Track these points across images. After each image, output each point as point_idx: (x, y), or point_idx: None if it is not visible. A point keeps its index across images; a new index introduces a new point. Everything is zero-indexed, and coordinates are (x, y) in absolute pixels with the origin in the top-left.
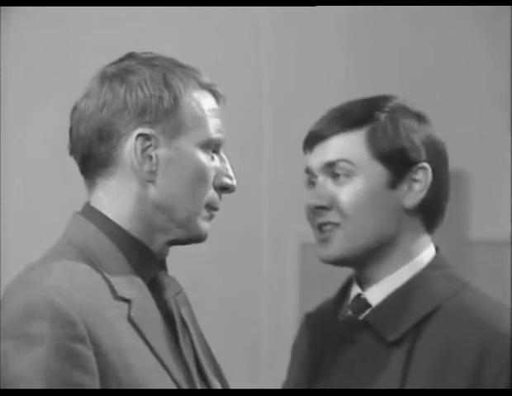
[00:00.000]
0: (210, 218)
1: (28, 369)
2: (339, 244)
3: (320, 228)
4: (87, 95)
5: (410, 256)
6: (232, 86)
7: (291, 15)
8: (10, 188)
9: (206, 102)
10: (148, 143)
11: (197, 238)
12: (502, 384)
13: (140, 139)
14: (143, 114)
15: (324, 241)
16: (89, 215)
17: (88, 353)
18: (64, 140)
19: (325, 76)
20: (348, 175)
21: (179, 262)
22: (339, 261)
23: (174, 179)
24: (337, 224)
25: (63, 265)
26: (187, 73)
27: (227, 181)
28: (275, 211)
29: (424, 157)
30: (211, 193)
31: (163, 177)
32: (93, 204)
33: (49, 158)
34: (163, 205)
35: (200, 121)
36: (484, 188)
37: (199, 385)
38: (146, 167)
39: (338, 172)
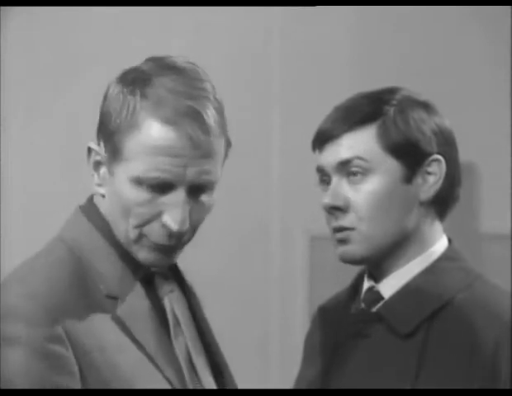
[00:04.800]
0: (164, 250)
1: (7, 370)
2: (358, 246)
3: (336, 231)
4: None
5: (423, 248)
6: (241, 84)
7: (300, 14)
8: (10, 188)
9: (160, 137)
10: (98, 158)
11: (147, 264)
12: None
13: (92, 152)
14: (100, 128)
15: (342, 242)
16: (86, 210)
17: (66, 353)
18: (65, 139)
19: (335, 75)
20: (364, 173)
21: (187, 258)
22: (359, 262)
23: (112, 201)
24: (353, 229)
25: (47, 263)
26: (162, 99)
27: (168, 222)
28: (285, 204)
29: (435, 148)
30: (153, 227)
31: (107, 195)
32: (96, 196)
33: (50, 158)
34: (112, 220)
35: (134, 155)
36: (494, 181)
37: (190, 382)
38: (95, 180)
39: (354, 170)
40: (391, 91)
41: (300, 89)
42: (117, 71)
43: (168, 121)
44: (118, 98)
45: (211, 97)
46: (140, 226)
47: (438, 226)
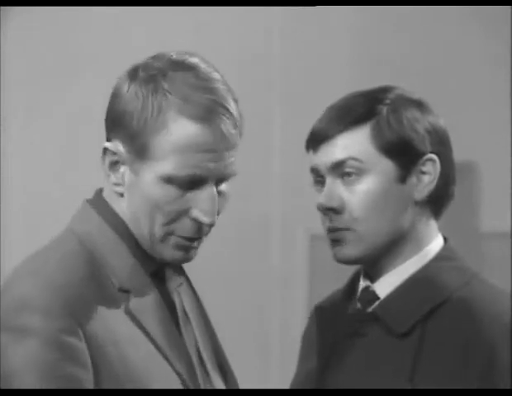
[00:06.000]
0: (187, 246)
1: (21, 361)
2: (352, 246)
3: (331, 231)
4: None
5: (419, 247)
6: (241, 84)
7: (300, 14)
8: (10, 188)
9: (192, 135)
10: (116, 158)
11: (167, 262)
12: (509, 377)
13: (108, 153)
14: (117, 128)
15: (337, 242)
16: (96, 204)
17: (80, 346)
18: (65, 139)
19: (335, 75)
20: (358, 173)
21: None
22: (353, 262)
23: (134, 200)
24: (347, 229)
25: (61, 255)
26: (188, 96)
27: (199, 216)
28: (286, 203)
29: (429, 147)
30: (182, 222)
31: (128, 194)
32: (106, 191)
33: (50, 158)
34: (132, 219)
35: (163, 154)
36: (494, 180)
37: (201, 376)
38: (112, 179)
39: (348, 170)
40: (385, 90)
41: (300, 89)
42: (117, 71)
43: (198, 118)
44: (137, 97)
45: (228, 89)
46: (169, 223)
47: (433, 225)
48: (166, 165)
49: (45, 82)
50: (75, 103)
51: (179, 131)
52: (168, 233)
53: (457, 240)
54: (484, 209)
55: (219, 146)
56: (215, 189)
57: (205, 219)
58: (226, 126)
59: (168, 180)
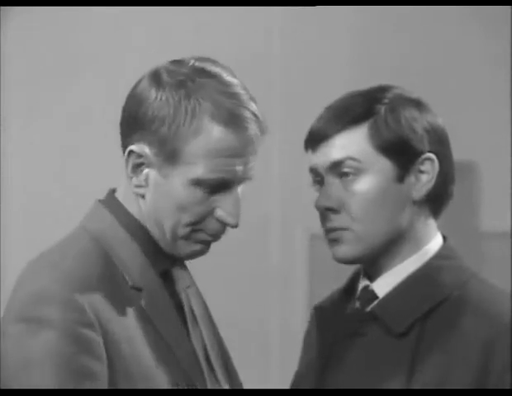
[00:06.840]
0: (208, 242)
1: (38, 351)
2: (351, 245)
3: (329, 231)
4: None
5: (418, 246)
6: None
7: (300, 14)
8: (10, 188)
9: (223, 140)
10: (140, 160)
11: (185, 257)
12: (508, 377)
13: (133, 155)
14: (143, 132)
15: (335, 242)
16: (108, 204)
17: (97, 339)
18: (65, 139)
19: (335, 75)
20: (356, 173)
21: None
22: (351, 261)
23: (158, 201)
24: (346, 229)
25: (76, 251)
26: (218, 102)
27: (225, 218)
28: (285, 202)
29: (427, 146)
30: (207, 222)
31: (151, 195)
32: (119, 192)
33: (50, 158)
34: (153, 218)
35: (194, 159)
36: (494, 180)
37: (207, 376)
38: (135, 181)
39: (346, 170)
40: (383, 90)
41: (300, 89)
42: (117, 71)
43: (230, 123)
44: (168, 103)
45: (248, 92)
46: (194, 224)
47: (432, 224)
48: (196, 169)
49: (45, 82)
50: (75, 103)
51: (212, 137)
52: (192, 232)
53: (457, 240)
54: (484, 209)
55: (246, 150)
56: (239, 191)
57: (230, 221)
58: (255, 131)
59: (197, 183)
